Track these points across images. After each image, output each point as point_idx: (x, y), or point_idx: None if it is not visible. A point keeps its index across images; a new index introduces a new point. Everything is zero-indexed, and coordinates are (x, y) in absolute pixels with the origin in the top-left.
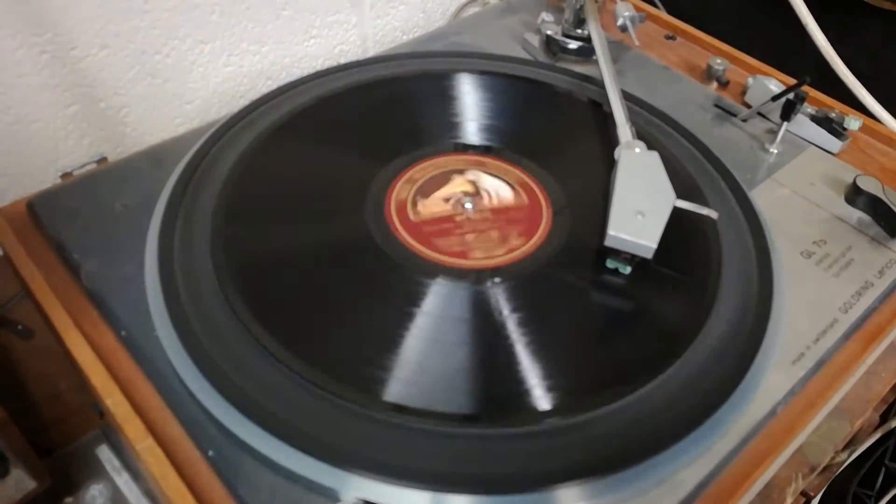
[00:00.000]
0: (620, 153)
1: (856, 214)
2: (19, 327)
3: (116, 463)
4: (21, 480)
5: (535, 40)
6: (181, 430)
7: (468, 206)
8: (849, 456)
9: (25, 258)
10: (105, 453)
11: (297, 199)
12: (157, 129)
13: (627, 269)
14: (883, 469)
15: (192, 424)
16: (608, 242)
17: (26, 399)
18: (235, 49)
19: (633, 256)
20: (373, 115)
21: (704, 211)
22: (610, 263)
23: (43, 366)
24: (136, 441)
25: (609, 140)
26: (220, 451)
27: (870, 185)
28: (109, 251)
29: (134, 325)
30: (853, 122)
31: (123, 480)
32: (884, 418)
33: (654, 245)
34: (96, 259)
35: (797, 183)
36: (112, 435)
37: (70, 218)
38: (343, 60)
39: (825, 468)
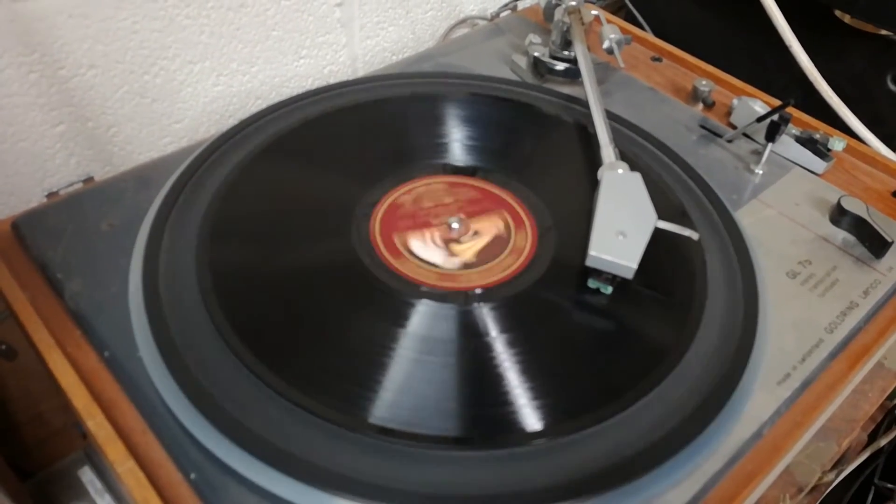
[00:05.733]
0: (603, 174)
1: (840, 235)
2: (2, 347)
3: (99, 485)
4: (1, 502)
5: (522, 62)
6: (163, 452)
7: (455, 225)
8: (837, 476)
9: (9, 278)
10: (87, 475)
11: (284, 219)
12: (146, 148)
13: (609, 290)
14: (872, 488)
15: (174, 447)
16: (589, 262)
17: (8, 420)
18: (225, 69)
19: (615, 277)
20: (361, 135)
21: (686, 232)
22: (592, 283)
23: (25, 386)
24: (118, 463)
25: (594, 161)
26: (203, 473)
27: (854, 205)
28: (94, 271)
29: (117, 345)
30: (837, 143)
31: (105, 503)
32: (872, 437)
33: (635, 265)
34: (80, 279)
35: (782, 203)
36: (94, 457)
37: (55, 238)
38: (333, 80)
39: (813, 488)
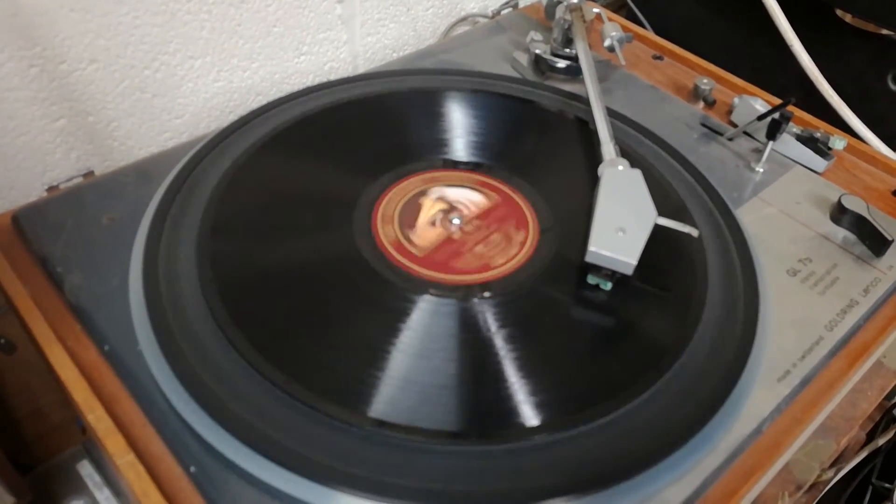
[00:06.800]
0: (603, 170)
1: (841, 233)
2: (2, 341)
3: (98, 479)
4: (0, 496)
5: (523, 59)
6: (163, 446)
7: (456, 221)
8: (835, 474)
9: (9, 272)
10: (86, 469)
11: (284, 214)
12: (146, 143)
13: (608, 286)
14: (870, 488)
15: (174, 440)
16: (588, 258)
17: (7, 414)
18: (225, 65)
19: (615, 273)
20: (362, 131)
21: (685, 228)
22: (591, 279)
23: (25, 380)
24: (118, 457)
25: (595, 157)
26: (203, 467)
27: (855, 204)
28: (94, 265)
29: (117, 339)
30: (838, 142)
31: (104, 497)
32: (870, 436)
33: (634, 262)
34: (81, 273)
35: (783, 202)
36: (94, 450)
37: (55, 231)
38: (333, 77)
39: (812, 486)
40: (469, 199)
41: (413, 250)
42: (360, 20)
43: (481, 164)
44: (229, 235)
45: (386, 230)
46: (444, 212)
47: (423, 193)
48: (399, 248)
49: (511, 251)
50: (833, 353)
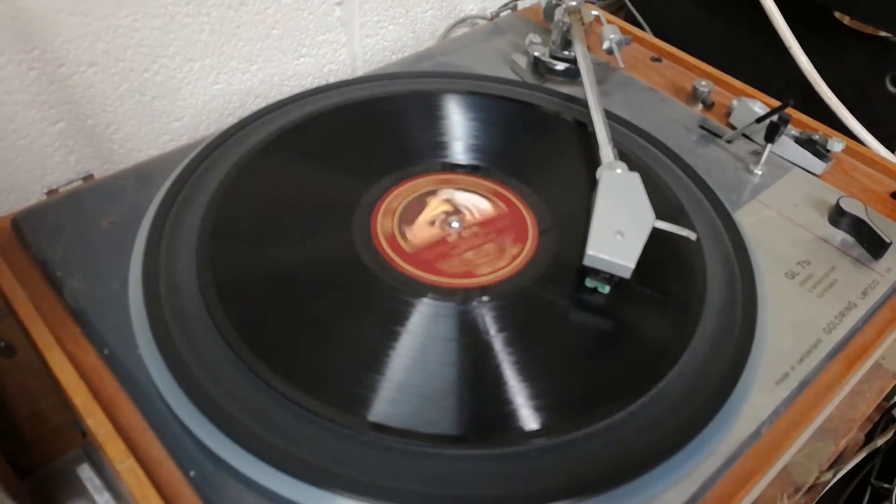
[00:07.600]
0: (601, 173)
1: (839, 236)
2: (1, 344)
3: (98, 482)
4: (0, 500)
5: (522, 61)
6: (163, 450)
7: (455, 224)
8: (834, 476)
9: (9, 275)
10: (86, 473)
11: (284, 217)
12: (145, 146)
13: (606, 289)
14: (869, 488)
15: (173, 444)
16: (587, 262)
17: (7, 417)
18: (225, 67)
19: (612, 276)
20: (361, 134)
21: (683, 232)
22: (589, 283)
23: (24, 383)
24: (118, 461)
25: (593, 160)
26: (202, 471)
27: (853, 206)
28: (94, 269)
29: (117, 343)
30: (836, 145)
31: (104, 500)
32: (869, 437)
33: (632, 265)
34: (80, 276)
35: (781, 204)
36: (94, 454)
37: (54, 235)
38: (332, 79)
39: (810, 488)
40: (477, 205)
41: (404, 246)
42: (359, 22)
43: (480, 167)
44: (229, 239)
45: (384, 233)
46: (447, 213)
47: (431, 193)
48: (396, 249)
49: (498, 263)
50: (832, 355)
